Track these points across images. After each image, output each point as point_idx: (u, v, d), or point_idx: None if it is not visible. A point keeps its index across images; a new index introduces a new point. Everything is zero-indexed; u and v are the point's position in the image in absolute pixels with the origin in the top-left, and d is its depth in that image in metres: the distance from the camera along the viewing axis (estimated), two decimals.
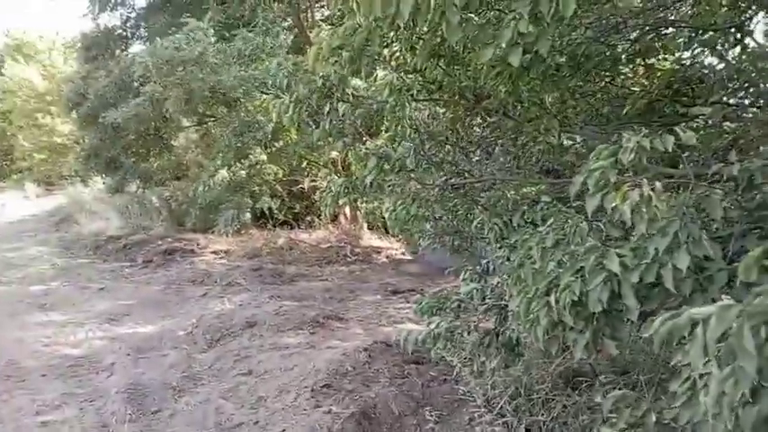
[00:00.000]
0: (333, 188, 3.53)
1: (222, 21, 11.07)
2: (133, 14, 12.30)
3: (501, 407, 3.48)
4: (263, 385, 4.64)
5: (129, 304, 7.29)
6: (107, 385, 4.77)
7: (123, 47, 12.38)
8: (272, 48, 9.89)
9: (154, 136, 11.16)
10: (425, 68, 3.05)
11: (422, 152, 3.34)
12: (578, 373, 3.45)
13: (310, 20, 11.80)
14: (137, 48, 12.66)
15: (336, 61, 2.50)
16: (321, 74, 2.69)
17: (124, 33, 12.38)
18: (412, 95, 3.03)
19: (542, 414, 3.32)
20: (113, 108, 10.03)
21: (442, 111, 3.56)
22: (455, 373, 3.84)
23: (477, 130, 3.68)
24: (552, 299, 2.05)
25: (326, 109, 3.20)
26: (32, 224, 15.85)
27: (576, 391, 3.32)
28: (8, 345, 5.80)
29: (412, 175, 3.43)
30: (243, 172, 9.72)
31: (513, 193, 3.45)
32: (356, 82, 3.53)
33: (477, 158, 3.75)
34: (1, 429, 4.07)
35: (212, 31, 10.21)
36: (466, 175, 3.62)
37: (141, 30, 12.51)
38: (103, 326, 6.40)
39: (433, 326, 3.14)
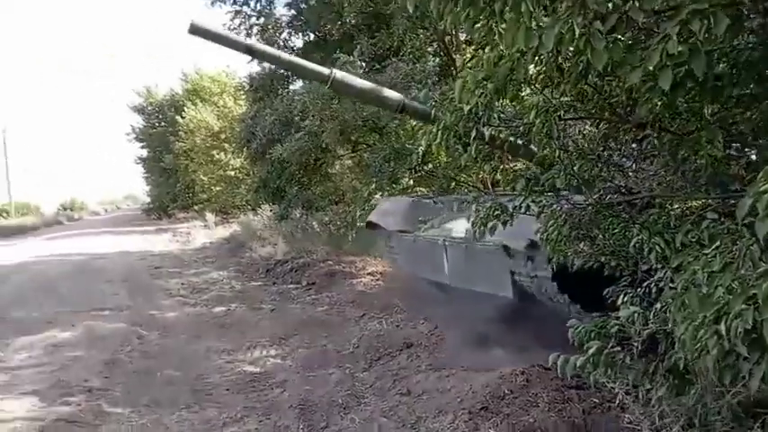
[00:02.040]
0: (481, 211, 3.57)
1: (373, 52, 11.63)
2: (293, 55, 13.36)
3: None
4: (421, 405, 4.75)
5: (297, 324, 7.84)
6: (281, 400, 5.17)
7: (285, 85, 13.48)
8: (421, 73, 10.22)
9: (314, 166, 11.99)
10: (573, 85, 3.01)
11: (572, 171, 3.29)
12: (761, 404, 3.13)
13: (455, 42, 12.00)
14: (297, 85, 13.70)
15: (482, 93, 2.58)
16: (468, 102, 2.77)
17: (286, 73, 13.45)
18: (559, 116, 3.00)
19: None
20: (278, 143, 10.96)
21: (591, 128, 3.47)
22: (618, 401, 3.66)
23: (633, 144, 3.53)
24: (722, 327, 1.92)
25: (473, 135, 3.27)
26: (212, 251, 17.62)
27: (759, 423, 3.02)
28: (197, 361, 6.52)
29: (562, 195, 3.38)
30: None
31: (675, 209, 3.26)
32: (502, 104, 3.56)
33: (632, 174, 3.59)
34: None
35: (362, 64, 10.76)
36: (621, 191, 3.49)
37: None
38: (275, 345, 6.95)
39: (591, 351, 3.04)
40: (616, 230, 3.58)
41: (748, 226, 2.10)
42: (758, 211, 1.73)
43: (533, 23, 2.01)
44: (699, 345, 2.03)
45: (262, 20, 12.82)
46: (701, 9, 1.88)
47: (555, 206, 3.47)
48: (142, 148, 38.32)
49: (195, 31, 5.93)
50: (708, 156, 2.79)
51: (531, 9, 2.00)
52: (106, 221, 42.62)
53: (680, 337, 2.20)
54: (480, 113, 3.16)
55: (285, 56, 6.94)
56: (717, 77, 2.63)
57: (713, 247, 2.12)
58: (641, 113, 2.94)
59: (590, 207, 3.50)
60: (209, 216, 25.43)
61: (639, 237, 3.22)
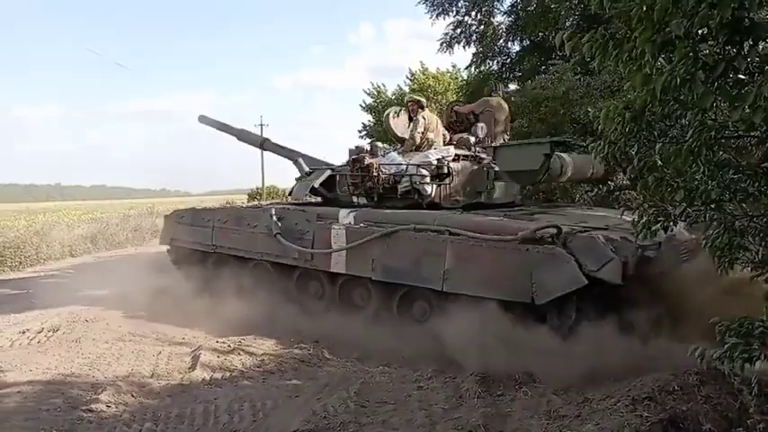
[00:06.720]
0: (644, 216, 3.99)
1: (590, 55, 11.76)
2: (508, 60, 14.01)
3: None
4: (591, 389, 5.26)
5: None
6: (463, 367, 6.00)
7: (496, 88, 14.16)
8: None
9: None
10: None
11: (727, 184, 3.59)
12: None
13: None
14: (511, 86, 14.35)
15: (620, 121, 3.10)
16: (609, 128, 3.29)
17: (501, 76, 14.16)
18: (711, 136, 3.35)
19: None
20: None
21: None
22: None
23: None
24: None
25: (635, 150, 3.74)
26: None
27: None
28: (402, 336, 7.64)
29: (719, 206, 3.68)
30: None
31: None
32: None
33: None
34: None
35: (577, 68, 11.05)
36: None
37: (515, 71, 14.14)
38: None
39: (728, 345, 3.32)
40: None
41: None
42: None
43: (652, 69, 2.56)
44: None
45: (482, 28, 13.68)
46: None
47: (714, 216, 3.79)
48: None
49: (202, 120, 11.12)
50: None
51: (651, 59, 2.57)
52: None
53: None
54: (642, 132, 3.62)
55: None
56: None
57: None
58: None
59: (752, 218, 3.74)
60: None
61: None
